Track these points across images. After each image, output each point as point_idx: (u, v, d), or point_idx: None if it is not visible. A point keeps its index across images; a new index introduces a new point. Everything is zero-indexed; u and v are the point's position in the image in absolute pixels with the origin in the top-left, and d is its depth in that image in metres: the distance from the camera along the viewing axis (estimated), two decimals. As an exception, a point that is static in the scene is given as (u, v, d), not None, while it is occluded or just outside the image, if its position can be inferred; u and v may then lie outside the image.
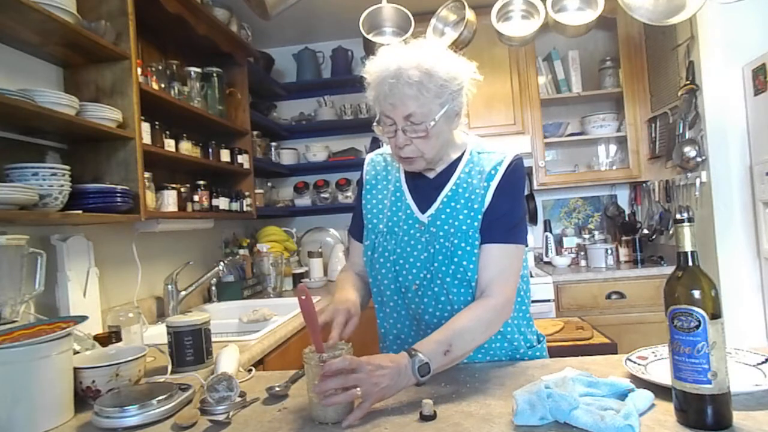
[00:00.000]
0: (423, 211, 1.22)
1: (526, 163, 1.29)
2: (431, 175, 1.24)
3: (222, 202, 2.56)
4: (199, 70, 2.45)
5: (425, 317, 1.21)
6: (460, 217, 1.18)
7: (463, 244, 1.16)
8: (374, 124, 1.18)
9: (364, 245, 1.30)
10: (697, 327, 0.76)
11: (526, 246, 1.23)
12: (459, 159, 1.24)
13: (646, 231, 3.22)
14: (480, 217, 1.18)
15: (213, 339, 1.39)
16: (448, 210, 1.20)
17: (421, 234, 1.21)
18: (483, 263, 1.17)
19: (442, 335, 1.06)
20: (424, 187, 1.24)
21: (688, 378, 0.77)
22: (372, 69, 1.14)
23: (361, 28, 2.38)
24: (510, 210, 1.18)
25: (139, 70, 1.90)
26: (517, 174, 1.21)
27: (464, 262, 1.16)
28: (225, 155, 2.63)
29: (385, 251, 1.23)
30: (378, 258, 1.24)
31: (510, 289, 1.16)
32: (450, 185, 1.22)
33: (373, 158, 1.36)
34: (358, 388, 0.90)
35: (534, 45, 3.19)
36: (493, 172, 1.19)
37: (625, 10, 2.08)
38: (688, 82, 2.66)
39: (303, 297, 0.96)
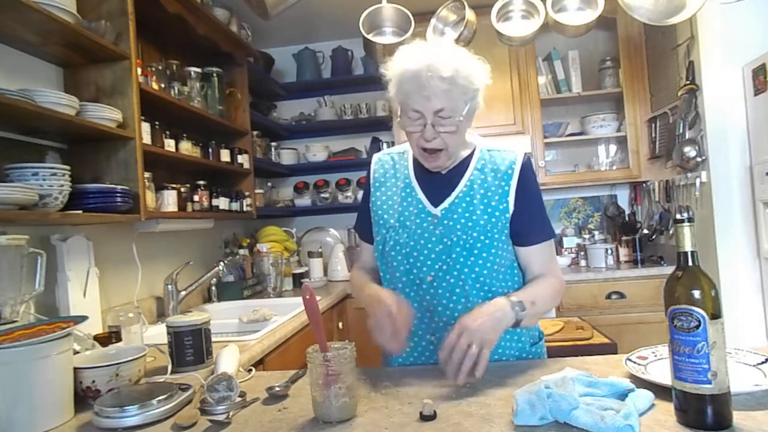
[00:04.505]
0: (435, 206, 1.25)
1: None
2: (443, 170, 1.27)
3: (222, 202, 2.56)
4: (199, 70, 2.45)
5: (438, 309, 1.23)
6: (478, 211, 1.22)
7: (482, 237, 1.21)
8: (398, 118, 1.21)
9: (374, 240, 1.32)
10: (697, 327, 0.76)
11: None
12: (470, 156, 1.28)
13: (646, 231, 3.22)
14: (498, 214, 1.22)
15: (213, 339, 1.39)
16: (464, 204, 1.23)
17: (434, 227, 1.23)
18: (526, 263, 1.27)
19: (526, 293, 1.16)
20: (435, 182, 1.27)
21: (688, 378, 0.77)
22: (402, 64, 1.17)
23: (361, 28, 2.38)
24: (536, 209, 1.26)
25: (139, 70, 1.89)
26: (531, 170, 1.28)
27: (484, 254, 1.21)
28: (225, 155, 2.63)
29: (396, 245, 1.25)
30: (390, 251, 1.26)
31: (560, 273, 1.30)
32: (464, 181, 1.26)
33: (381, 157, 1.39)
34: (473, 345, 1.00)
35: (534, 45, 3.19)
36: (509, 171, 1.24)
37: (625, 10, 2.08)
38: (688, 82, 2.66)
39: (308, 296, 0.96)
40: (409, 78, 1.14)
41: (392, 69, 1.19)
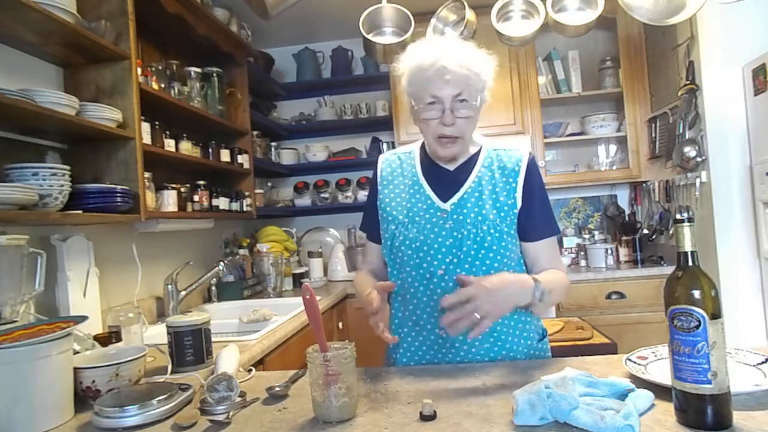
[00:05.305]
0: (444, 201, 1.27)
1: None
2: (451, 167, 1.30)
3: (222, 202, 2.56)
4: (199, 70, 2.45)
5: None
6: (487, 206, 1.25)
7: (492, 231, 1.23)
8: (413, 107, 1.24)
9: (383, 237, 1.33)
10: (697, 327, 0.76)
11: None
12: (476, 155, 1.32)
13: (646, 231, 3.22)
14: (506, 209, 1.25)
15: (213, 339, 1.39)
16: (473, 199, 1.26)
17: (444, 221, 1.25)
18: (533, 258, 1.29)
19: (546, 280, 1.16)
20: (443, 178, 1.30)
21: (688, 378, 0.77)
22: (418, 55, 1.21)
23: (361, 28, 2.38)
24: (542, 205, 1.29)
25: (139, 70, 1.89)
26: (536, 168, 1.32)
27: (494, 247, 1.23)
28: (225, 155, 2.63)
29: (406, 240, 1.27)
30: (399, 246, 1.28)
31: (565, 269, 1.32)
32: (473, 177, 1.29)
33: (387, 157, 1.41)
34: (476, 314, 1.01)
35: (534, 45, 3.19)
36: (516, 168, 1.28)
37: (625, 10, 2.08)
38: (688, 82, 2.66)
39: (307, 296, 0.96)
40: (428, 66, 1.17)
41: (405, 62, 1.23)
